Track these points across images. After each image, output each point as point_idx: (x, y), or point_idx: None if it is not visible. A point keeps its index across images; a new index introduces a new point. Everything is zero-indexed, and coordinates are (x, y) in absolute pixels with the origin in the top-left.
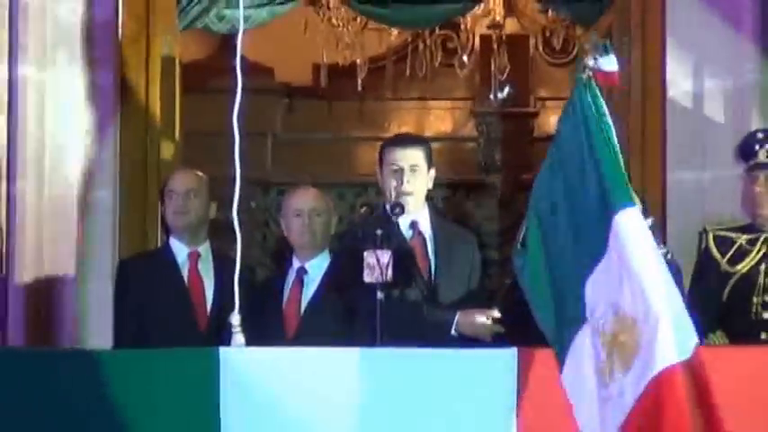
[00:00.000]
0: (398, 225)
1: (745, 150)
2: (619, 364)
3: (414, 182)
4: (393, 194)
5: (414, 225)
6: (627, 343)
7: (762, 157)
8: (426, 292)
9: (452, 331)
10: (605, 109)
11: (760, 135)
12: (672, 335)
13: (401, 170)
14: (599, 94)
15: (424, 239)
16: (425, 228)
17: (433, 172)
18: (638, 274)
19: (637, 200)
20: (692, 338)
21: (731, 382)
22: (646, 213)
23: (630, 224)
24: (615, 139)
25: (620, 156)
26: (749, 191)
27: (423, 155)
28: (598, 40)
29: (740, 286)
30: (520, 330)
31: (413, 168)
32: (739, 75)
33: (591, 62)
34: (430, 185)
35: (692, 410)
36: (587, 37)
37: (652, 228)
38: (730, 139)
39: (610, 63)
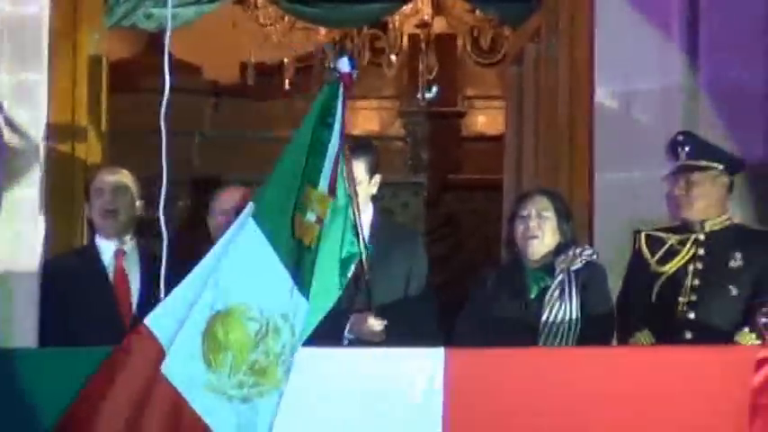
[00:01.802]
0: None
1: (669, 152)
2: None
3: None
4: None
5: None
6: None
7: (682, 158)
8: (353, 295)
9: (345, 333)
10: (339, 115)
11: (680, 137)
12: None
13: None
14: (341, 96)
15: (365, 243)
16: (364, 229)
17: (378, 177)
18: None
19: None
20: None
21: (652, 381)
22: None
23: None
24: (332, 147)
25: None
26: (670, 194)
27: (365, 166)
28: (332, 48)
29: (668, 286)
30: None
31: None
32: (667, 76)
33: (333, 65)
34: (374, 191)
35: None
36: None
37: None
38: (658, 140)
39: (344, 65)
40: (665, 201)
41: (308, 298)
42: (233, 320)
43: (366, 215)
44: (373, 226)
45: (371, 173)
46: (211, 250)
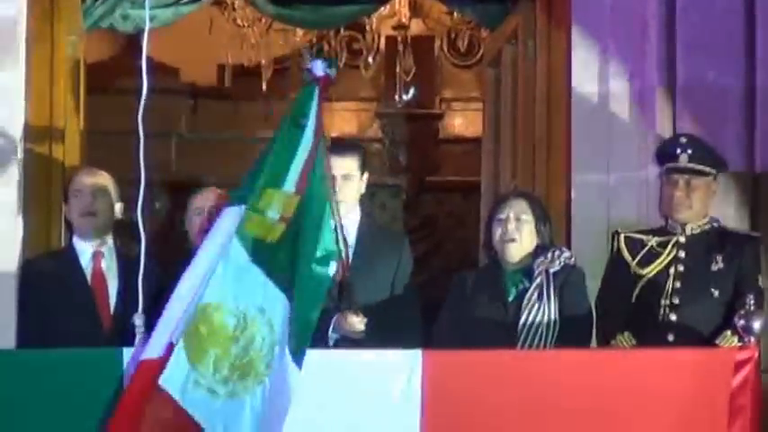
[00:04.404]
0: None
1: (667, 153)
2: None
3: (345, 190)
4: None
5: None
6: None
7: (683, 161)
8: (337, 295)
9: (330, 332)
10: (313, 116)
11: (683, 140)
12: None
13: (333, 178)
14: (316, 98)
15: (346, 243)
16: (351, 232)
17: (366, 176)
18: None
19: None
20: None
21: (636, 382)
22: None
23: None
24: (303, 148)
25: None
26: (667, 194)
27: (357, 163)
28: (308, 51)
29: (649, 288)
30: None
31: (345, 177)
32: (644, 78)
33: (309, 68)
34: (362, 190)
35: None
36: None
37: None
38: (634, 141)
39: (318, 68)
40: (642, 201)
41: (287, 293)
42: (212, 317)
43: (354, 215)
44: (360, 227)
45: (362, 170)
46: (194, 260)
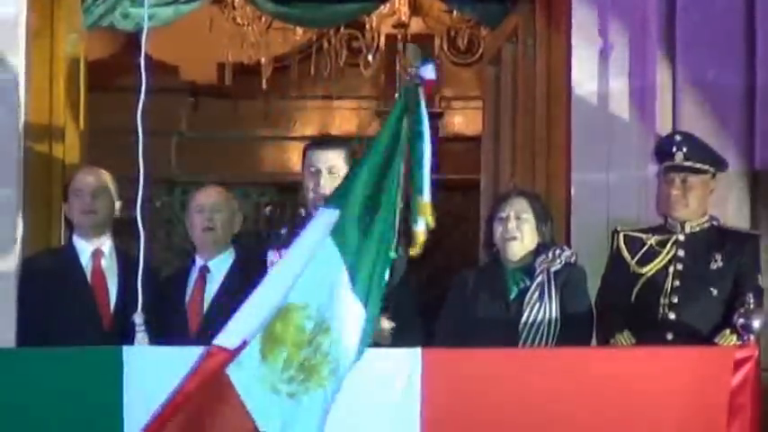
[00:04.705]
0: None
1: (663, 152)
2: None
3: (330, 184)
4: (311, 196)
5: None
6: None
7: (678, 159)
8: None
9: None
10: (425, 121)
11: (678, 138)
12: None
13: (318, 172)
14: (423, 102)
15: None
16: None
17: None
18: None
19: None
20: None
21: (636, 381)
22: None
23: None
24: (422, 152)
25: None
26: (664, 192)
27: (342, 157)
28: (417, 51)
29: (648, 287)
30: None
31: (330, 170)
32: (644, 76)
33: (414, 71)
34: None
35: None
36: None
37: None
38: (634, 140)
39: (429, 72)
40: (642, 199)
41: (364, 304)
42: (292, 316)
43: None
44: None
45: (348, 166)
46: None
